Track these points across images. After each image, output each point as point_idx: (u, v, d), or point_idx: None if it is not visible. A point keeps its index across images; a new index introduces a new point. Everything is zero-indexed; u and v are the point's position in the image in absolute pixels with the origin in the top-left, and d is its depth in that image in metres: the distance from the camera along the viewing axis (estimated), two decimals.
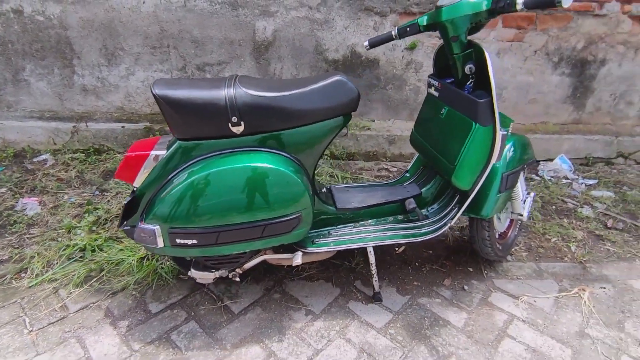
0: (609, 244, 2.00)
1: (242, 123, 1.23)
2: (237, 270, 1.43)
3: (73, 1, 2.44)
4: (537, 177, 2.67)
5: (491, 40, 2.64)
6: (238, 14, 2.51)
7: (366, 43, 1.54)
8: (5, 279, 1.62)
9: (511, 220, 1.84)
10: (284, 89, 1.26)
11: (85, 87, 2.68)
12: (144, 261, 1.72)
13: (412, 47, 2.63)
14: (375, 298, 1.55)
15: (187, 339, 1.39)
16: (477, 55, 1.35)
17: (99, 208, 2.08)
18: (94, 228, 1.93)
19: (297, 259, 1.39)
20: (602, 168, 2.86)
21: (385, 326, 1.46)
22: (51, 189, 2.28)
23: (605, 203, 2.37)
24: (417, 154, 1.80)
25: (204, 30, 2.55)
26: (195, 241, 1.25)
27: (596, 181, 2.64)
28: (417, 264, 1.80)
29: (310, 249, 1.42)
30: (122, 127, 2.68)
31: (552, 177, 2.68)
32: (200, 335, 1.40)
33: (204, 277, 1.40)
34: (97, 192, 2.29)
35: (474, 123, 1.31)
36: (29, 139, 2.68)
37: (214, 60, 2.64)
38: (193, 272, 1.40)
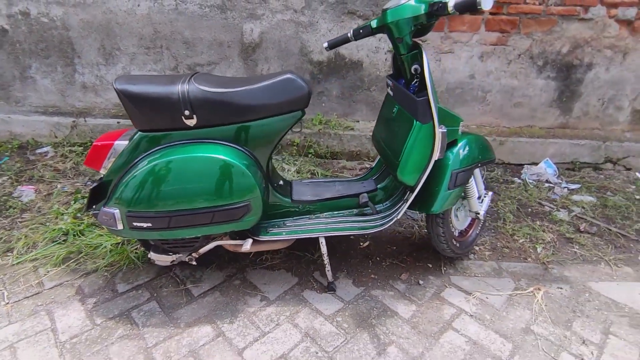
0: (577, 247, 2.01)
1: (194, 116, 1.33)
2: (193, 254, 1.53)
3: (74, 4, 2.61)
4: (519, 180, 2.68)
5: (474, 43, 2.67)
6: (227, 17, 2.63)
7: (325, 44, 1.62)
8: None
9: (473, 220, 1.88)
10: (235, 85, 1.36)
11: (85, 84, 2.85)
12: (119, 246, 1.84)
13: None
14: (329, 288, 1.62)
15: (145, 317, 1.49)
16: (421, 55, 1.41)
17: (86, 197, 2.22)
18: (79, 215, 2.07)
19: (247, 245, 1.48)
20: (589, 173, 2.83)
21: (333, 314, 1.53)
22: (47, 178, 2.44)
23: (584, 207, 2.36)
24: None
25: (195, 32, 2.68)
26: (149, 224, 1.35)
27: (579, 186, 2.62)
28: (378, 258, 1.86)
29: (263, 237, 1.50)
30: (117, 122, 2.83)
31: (534, 180, 2.68)
32: (159, 314, 1.51)
33: (162, 259, 1.51)
34: (88, 182, 2.41)
35: (414, 120, 1.37)
36: (33, 132, 2.87)
37: (204, 60, 2.77)
38: (152, 255, 1.51)
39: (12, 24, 2.67)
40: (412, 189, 1.47)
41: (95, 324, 1.46)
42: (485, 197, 1.74)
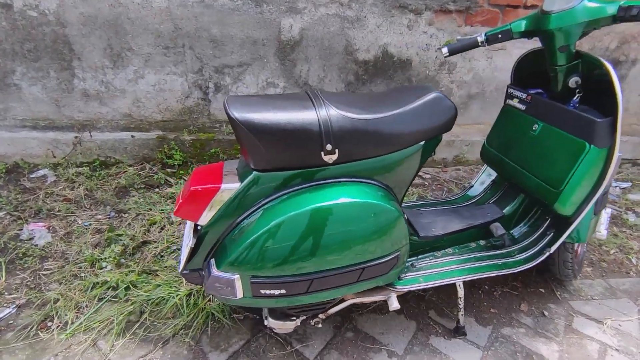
0: None
1: (336, 151, 1.04)
2: (321, 316, 1.25)
3: None
4: None
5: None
6: (262, 11, 2.27)
7: (445, 50, 1.37)
8: (30, 330, 1.37)
9: None
10: (380, 109, 1.08)
11: (87, 92, 2.38)
12: (189, 298, 1.51)
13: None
14: (459, 332, 1.42)
15: None
16: (585, 67, 1.21)
17: (122, 234, 1.83)
18: (123, 260, 1.69)
19: (394, 302, 1.23)
20: (631, 169, 2.83)
21: None
22: (58, 211, 2.00)
23: None
24: (484, 168, 1.66)
25: (224, 28, 2.30)
26: (283, 291, 1.06)
27: (630, 184, 2.60)
28: (486, 287, 1.68)
29: (400, 287, 1.25)
30: (132, 136, 2.40)
31: None
32: None
33: (284, 327, 1.21)
34: (112, 214, 2.03)
35: (587, 144, 1.17)
36: (22, 151, 2.36)
37: (234, 61, 2.39)
38: (270, 322, 1.21)
39: None
40: (570, 221, 1.28)
41: None
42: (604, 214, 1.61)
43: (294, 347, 1.37)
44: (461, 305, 1.37)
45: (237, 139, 1.07)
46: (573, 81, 1.22)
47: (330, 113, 1.02)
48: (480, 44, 1.33)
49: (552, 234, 1.35)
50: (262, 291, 1.06)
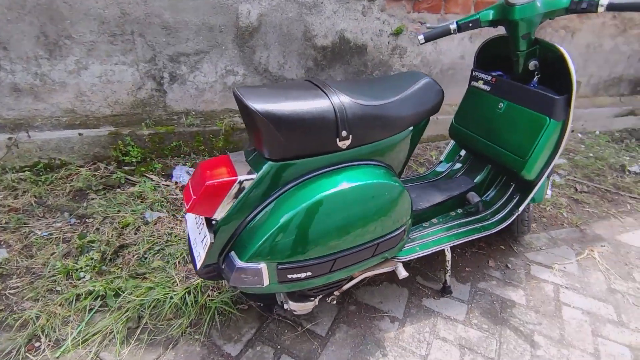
0: (587, 207, 2.35)
1: (350, 136, 1.10)
2: (336, 293, 1.32)
3: None
4: None
5: None
6: None
7: (421, 37, 1.49)
8: (17, 355, 1.24)
9: None
10: (383, 95, 1.16)
11: (17, 86, 2.09)
12: (188, 295, 1.48)
13: (397, 33, 2.63)
14: (446, 291, 1.59)
15: None
16: (542, 52, 1.41)
17: (94, 241, 1.70)
18: (104, 267, 1.58)
19: (402, 271, 1.34)
20: None
21: (466, 318, 1.52)
22: (6, 223, 1.78)
23: (565, 170, 2.76)
24: (451, 145, 1.84)
25: (178, 14, 2.17)
26: (309, 273, 1.11)
27: None
28: (458, 250, 1.88)
29: (403, 257, 1.37)
30: (80, 134, 2.18)
31: None
32: None
33: (304, 307, 1.26)
34: (73, 220, 1.86)
35: (547, 118, 1.38)
36: None
37: (190, 49, 2.28)
38: (291, 305, 1.25)
39: None
40: (532, 184, 1.50)
41: None
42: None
43: (305, 326, 1.43)
44: (448, 268, 1.55)
45: (251, 130, 1.07)
46: (532, 64, 1.42)
47: (343, 101, 1.07)
48: (452, 31, 1.46)
49: (517, 197, 1.58)
50: (289, 276, 1.10)
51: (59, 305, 1.41)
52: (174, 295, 1.47)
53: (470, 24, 1.43)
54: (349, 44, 2.57)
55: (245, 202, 1.10)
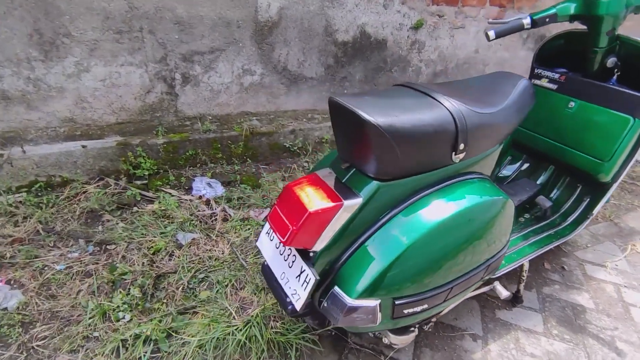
0: (611, 199, 2.37)
1: (466, 149, 0.97)
2: (433, 319, 1.20)
3: None
4: None
5: (480, 17, 2.71)
6: None
7: (492, 32, 1.37)
8: None
9: None
10: (492, 101, 1.04)
11: (6, 93, 1.79)
12: (249, 329, 1.31)
13: (417, 27, 2.52)
14: (518, 301, 1.52)
15: None
16: (622, 49, 1.34)
17: (126, 272, 1.48)
18: (147, 304, 1.37)
19: (503, 290, 1.24)
20: None
21: (545, 328, 1.45)
22: (12, 257, 1.51)
23: None
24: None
25: (192, 7, 1.94)
26: (425, 306, 0.98)
27: None
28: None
29: (498, 273, 1.27)
30: (83, 147, 1.91)
31: None
32: None
33: (407, 340, 1.13)
34: (91, 248, 1.62)
35: (631, 118, 1.32)
36: None
37: (205, 47, 2.06)
38: (392, 338, 1.11)
39: None
40: (607, 186, 1.45)
41: None
42: None
43: (387, 354, 1.30)
44: (524, 278, 1.47)
45: (352, 144, 0.93)
46: (611, 61, 1.36)
47: (460, 109, 0.94)
48: (525, 26, 1.36)
49: (588, 199, 1.52)
50: (405, 311, 0.97)
51: (104, 357, 1.20)
52: (236, 330, 1.29)
53: (547, 19, 1.34)
54: (369, 39, 2.43)
55: (349, 230, 0.95)
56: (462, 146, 0.95)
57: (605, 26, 1.28)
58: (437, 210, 0.95)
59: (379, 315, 0.95)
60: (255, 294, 1.46)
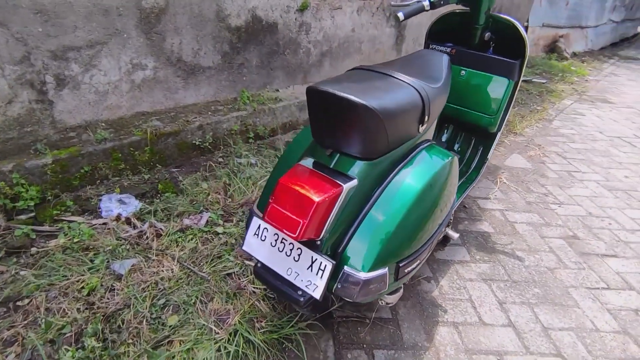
0: None
1: (428, 120, 1.12)
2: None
3: None
4: None
5: None
6: None
7: (400, 14, 1.54)
8: None
9: None
10: (436, 76, 1.21)
11: None
12: (237, 338, 1.26)
13: (302, 9, 2.59)
14: (447, 241, 1.82)
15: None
16: (494, 24, 1.67)
17: (65, 325, 1.21)
18: (112, 351, 1.16)
19: (453, 233, 1.47)
20: None
21: (471, 256, 1.79)
22: None
23: None
24: None
25: None
26: (419, 261, 1.12)
27: None
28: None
29: None
30: None
31: None
32: (399, 355, 1.30)
33: (397, 297, 1.24)
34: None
35: (508, 79, 1.68)
36: None
37: (80, 40, 1.71)
38: (387, 298, 1.21)
39: None
40: (494, 135, 1.81)
41: None
42: None
43: (370, 317, 1.42)
44: (451, 221, 1.76)
45: (338, 129, 0.97)
46: (487, 35, 1.68)
47: (422, 86, 1.07)
48: (425, 7, 1.57)
49: (482, 147, 1.89)
50: (406, 270, 1.08)
51: None
52: (225, 343, 1.22)
53: (442, 2, 1.57)
54: (261, 23, 2.39)
55: (347, 211, 1.00)
56: (426, 118, 1.09)
57: (484, 7, 1.59)
58: (416, 177, 1.07)
59: (388, 280, 1.04)
60: (227, 302, 1.39)
